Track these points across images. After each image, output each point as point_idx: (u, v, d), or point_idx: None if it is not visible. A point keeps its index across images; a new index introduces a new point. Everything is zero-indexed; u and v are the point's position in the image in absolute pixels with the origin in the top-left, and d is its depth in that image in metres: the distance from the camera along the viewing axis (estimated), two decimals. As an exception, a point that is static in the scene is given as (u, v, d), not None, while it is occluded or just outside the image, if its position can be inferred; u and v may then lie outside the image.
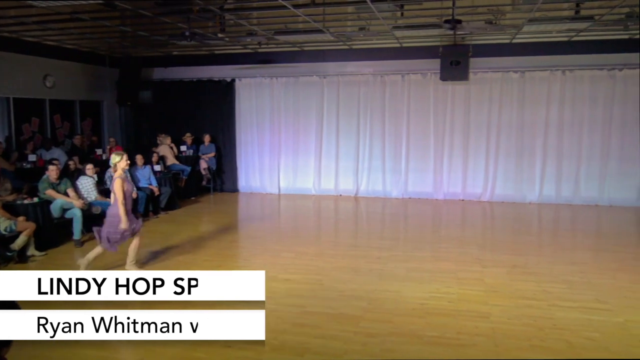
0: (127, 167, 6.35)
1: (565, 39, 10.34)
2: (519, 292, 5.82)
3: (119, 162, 6.17)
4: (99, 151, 11.72)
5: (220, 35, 9.64)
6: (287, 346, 4.57)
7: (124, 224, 6.12)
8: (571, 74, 11.00)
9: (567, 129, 11.16)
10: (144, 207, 9.69)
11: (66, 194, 8.15)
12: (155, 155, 11.18)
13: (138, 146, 12.65)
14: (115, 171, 6.21)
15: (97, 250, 6.32)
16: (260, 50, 11.92)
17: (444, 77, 11.17)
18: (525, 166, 11.47)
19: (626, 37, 9.96)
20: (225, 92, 12.97)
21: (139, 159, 10.17)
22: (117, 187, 6.06)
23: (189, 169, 12.03)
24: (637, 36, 9.80)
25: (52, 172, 8.08)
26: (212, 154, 12.72)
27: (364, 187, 12.49)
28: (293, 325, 4.99)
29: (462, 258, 7.19)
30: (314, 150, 12.65)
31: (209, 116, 13.05)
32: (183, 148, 12.61)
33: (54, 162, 8.33)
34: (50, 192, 8.02)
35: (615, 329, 4.86)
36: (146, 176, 10.15)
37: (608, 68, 10.75)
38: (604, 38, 10.17)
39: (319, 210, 11.58)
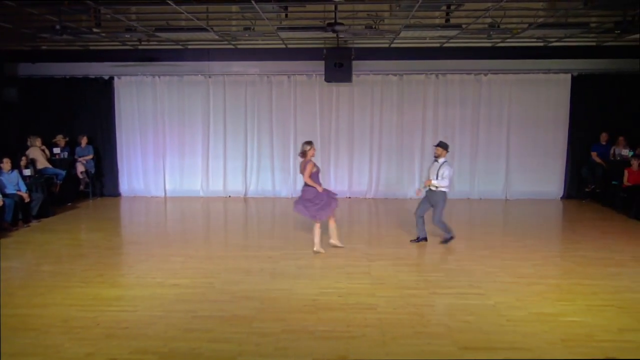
0: (313, 155, 7.37)
1: (438, 45, 11.12)
2: (403, 283, 6.18)
3: (309, 150, 7.29)
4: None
5: (95, 30, 9.07)
6: (177, 353, 4.43)
7: (320, 188, 7.29)
8: (443, 77, 11.90)
9: (441, 129, 12.01)
10: (12, 215, 8.88)
11: None
12: (24, 158, 10.27)
13: (4, 149, 11.46)
14: (304, 156, 7.30)
15: (317, 232, 7.43)
16: (140, 47, 11.39)
17: (329, 79, 11.50)
18: (405, 164, 12.19)
19: (489, 45, 10.96)
20: (102, 90, 12.24)
21: (6, 162, 9.34)
22: (309, 169, 7.22)
23: (63, 172, 11.19)
24: (499, 44, 10.82)
25: None
26: (90, 157, 11.94)
27: (254, 188, 12.46)
28: (183, 331, 4.85)
29: (351, 253, 7.46)
30: (201, 150, 12.39)
31: (85, 116, 12.26)
32: (56, 150, 11.68)
33: None
34: None
35: (487, 311, 5.34)
36: (14, 182, 9.33)
37: (475, 73, 11.78)
38: (470, 45, 11.10)
39: (208, 212, 11.35)
